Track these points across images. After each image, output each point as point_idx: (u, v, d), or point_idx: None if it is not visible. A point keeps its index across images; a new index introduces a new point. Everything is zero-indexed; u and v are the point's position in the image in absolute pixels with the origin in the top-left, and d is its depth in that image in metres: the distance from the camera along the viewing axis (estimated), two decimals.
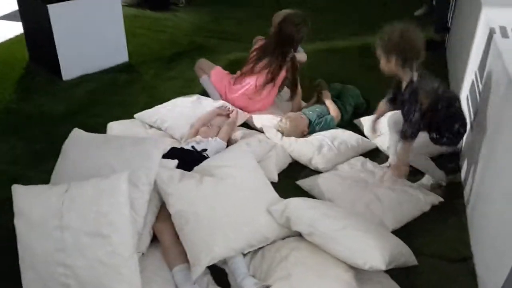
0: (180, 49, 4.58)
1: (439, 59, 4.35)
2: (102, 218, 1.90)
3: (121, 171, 2.08)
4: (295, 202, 2.15)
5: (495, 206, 2.16)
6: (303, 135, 3.09)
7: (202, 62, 3.57)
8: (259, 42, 3.34)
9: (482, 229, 2.33)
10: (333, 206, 2.25)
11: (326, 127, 3.14)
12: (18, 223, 1.99)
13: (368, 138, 3.14)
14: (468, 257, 2.33)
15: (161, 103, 3.41)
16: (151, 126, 3.17)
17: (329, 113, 3.24)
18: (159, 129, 3.12)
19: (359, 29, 5.05)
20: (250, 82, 3.28)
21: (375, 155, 3.08)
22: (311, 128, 3.13)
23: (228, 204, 2.12)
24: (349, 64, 4.36)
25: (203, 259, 1.98)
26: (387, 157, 3.03)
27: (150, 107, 3.37)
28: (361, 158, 2.96)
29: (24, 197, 2.02)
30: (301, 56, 3.39)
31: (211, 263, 2.02)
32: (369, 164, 2.87)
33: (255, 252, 2.17)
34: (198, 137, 2.77)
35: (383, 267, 1.90)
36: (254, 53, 3.30)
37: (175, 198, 2.09)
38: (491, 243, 2.16)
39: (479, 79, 2.82)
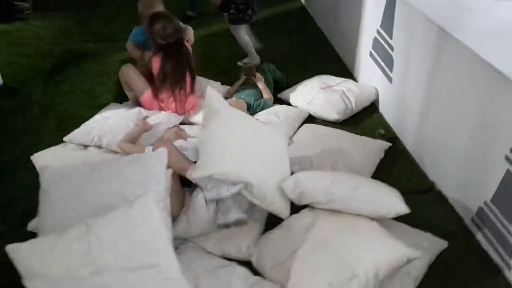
0: (56, 59, 4.14)
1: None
2: (144, 248, 1.74)
3: (130, 194, 1.92)
4: (303, 176, 2.24)
5: (440, 141, 2.58)
6: None
7: (128, 76, 3.18)
8: (154, 61, 3.07)
9: (433, 161, 2.73)
10: (332, 172, 2.39)
11: (266, 107, 3.24)
12: (35, 285, 1.70)
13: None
14: (431, 186, 2.72)
15: (78, 122, 3.10)
16: (86, 146, 2.87)
17: (261, 96, 3.34)
18: (99, 147, 2.84)
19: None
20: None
21: (311, 121, 3.29)
22: (252, 111, 3.20)
23: (265, 146, 2.32)
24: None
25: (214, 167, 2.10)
26: (322, 121, 3.29)
27: (67, 130, 3.04)
28: (308, 125, 3.15)
29: (32, 254, 1.72)
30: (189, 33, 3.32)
31: (220, 173, 2.12)
32: (319, 129, 3.07)
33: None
34: (180, 141, 2.61)
35: (408, 210, 2.13)
36: (160, 76, 3.06)
37: (220, 118, 2.25)
38: (446, 168, 2.57)
39: (385, 35, 3.20)
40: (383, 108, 3.40)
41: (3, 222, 2.47)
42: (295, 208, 2.37)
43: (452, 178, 2.56)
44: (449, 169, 2.58)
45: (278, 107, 3.27)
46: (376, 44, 3.38)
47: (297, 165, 2.69)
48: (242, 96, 3.26)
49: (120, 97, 3.46)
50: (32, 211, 2.50)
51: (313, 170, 2.37)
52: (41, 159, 2.77)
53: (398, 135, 3.15)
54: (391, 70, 3.17)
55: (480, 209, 2.31)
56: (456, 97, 2.44)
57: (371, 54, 3.49)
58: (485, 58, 2.13)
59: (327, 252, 1.98)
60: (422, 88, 2.76)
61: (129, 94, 3.31)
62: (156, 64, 3.07)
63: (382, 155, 2.89)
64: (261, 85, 3.38)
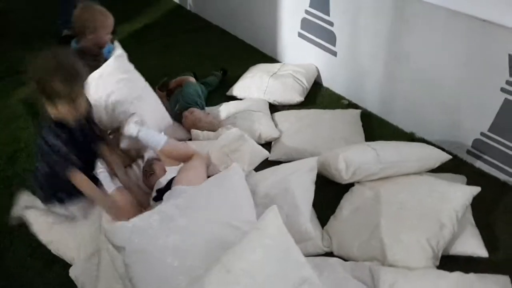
0: None
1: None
2: (291, 266, 1.63)
3: (234, 219, 1.78)
4: (350, 154, 2.30)
5: (414, 93, 2.90)
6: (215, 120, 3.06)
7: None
8: None
9: (408, 114, 3.04)
10: (364, 143, 2.48)
11: (203, 88, 3.34)
12: None
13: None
14: (412, 136, 3.04)
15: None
16: None
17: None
18: None
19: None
20: None
21: (272, 109, 3.32)
22: (201, 104, 3.13)
23: None
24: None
25: None
26: (283, 107, 3.35)
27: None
28: (279, 113, 3.19)
29: None
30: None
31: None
32: (292, 114, 3.13)
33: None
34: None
35: (449, 155, 2.37)
36: None
37: None
38: (426, 117, 2.92)
39: (319, 14, 3.37)
40: (327, 82, 3.60)
41: None
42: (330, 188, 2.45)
43: (434, 123, 2.90)
44: (429, 116, 2.91)
45: (242, 103, 3.22)
46: (306, 24, 3.54)
47: (307, 152, 2.73)
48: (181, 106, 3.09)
49: None
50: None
51: (348, 147, 2.44)
52: (29, 215, 2.30)
53: (356, 102, 3.40)
54: (333, 45, 3.37)
55: (476, 140, 2.68)
56: (431, 49, 2.69)
57: (300, 35, 3.64)
58: (460, 10, 2.44)
59: (409, 213, 2.11)
60: (383, 51, 3.00)
61: None
62: None
63: (360, 122, 3.10)
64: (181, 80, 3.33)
